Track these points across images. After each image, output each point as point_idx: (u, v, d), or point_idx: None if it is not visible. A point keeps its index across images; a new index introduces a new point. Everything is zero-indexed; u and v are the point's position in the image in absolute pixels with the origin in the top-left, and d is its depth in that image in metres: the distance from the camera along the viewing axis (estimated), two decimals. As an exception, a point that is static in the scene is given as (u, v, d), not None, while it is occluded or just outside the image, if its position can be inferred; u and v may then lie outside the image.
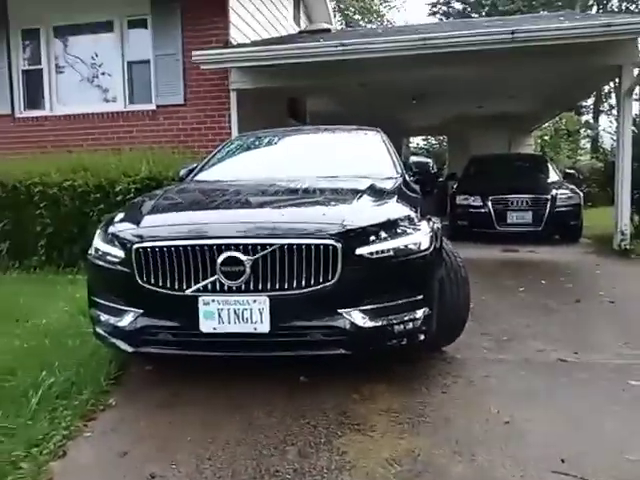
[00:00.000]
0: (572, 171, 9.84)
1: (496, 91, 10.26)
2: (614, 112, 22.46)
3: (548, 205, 8.07)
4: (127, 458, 2.20)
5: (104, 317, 2.80)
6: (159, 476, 2.07)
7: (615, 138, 8.19)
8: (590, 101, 24.50)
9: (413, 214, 2.86)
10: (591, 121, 24.84)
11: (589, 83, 9.47)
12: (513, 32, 6.38)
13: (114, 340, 2.78)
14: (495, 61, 7.00)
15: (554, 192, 8.25)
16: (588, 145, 24.10)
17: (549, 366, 3.10)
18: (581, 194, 8.52)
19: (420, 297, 2.68)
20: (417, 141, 28.22)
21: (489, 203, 8.28)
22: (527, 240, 7.94)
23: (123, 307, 2.70)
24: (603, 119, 25.82)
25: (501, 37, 6.46)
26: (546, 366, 3.10)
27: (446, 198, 10.11)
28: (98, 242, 2.92)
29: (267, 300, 2.49)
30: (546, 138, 18.96)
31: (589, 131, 23.45)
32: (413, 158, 4.46)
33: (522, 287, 5.05)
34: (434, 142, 27.64)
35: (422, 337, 2.71)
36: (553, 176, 9.26)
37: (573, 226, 8.16)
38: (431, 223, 2.91)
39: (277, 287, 2.51)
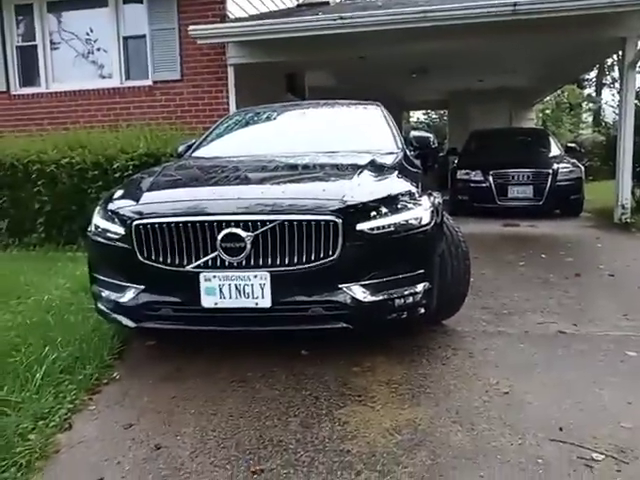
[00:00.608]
0: (574, 145, 9.77)
1: (497, 64, 10.14)
2: (617, 85, 22.22)
3: (549, 179, 8.04)
4: (132, 430, 2.24)
5: (105, 293, 2.82)
6: (164, 447, 2.11)
7: (617, 111, 8.12)
8: (593, 74, 24.22)
9: (414, 189, 2.85)
10: (593, 94, 24.59)
11: (592, 56, 9.36)
12: (515, 4, 6.26)
13: (116, 316, 2.81)
14: (496, 34, 6.90)
15: (555, 166, 8.21)
16: (590, 119, 23.91)
17: (548, 338, 3.13)
18: (582, 168, 8.48)
19: (421, 272, 2.69)
20: (417, 115, 28.01)
21: (490, 177, 8.24)
22: (528, 214, 7.93)
23: (124, 283, 2.72)
24: (606, 92, 25.55)
25: (503, 9, 6.34)
26: (545, 338, 3.13)
27: (447, 173, 10.08)
28: (98, 219, 2.92)
29: (268, 275, 2.50)
30: (548, 112, 18.83)
31: (591, 104, 23.24)
32: (414, 133, 4.40)
33: (522, 261, 5.07)
34: (434, 116, 27.43)
35: (422, 311, 2.73)
36: (554, 150, 9.20)
37: (574, 200, 8.14)
38: (432, 198, 2.90)
39: (278, 263, 2.52)
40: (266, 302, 2.53)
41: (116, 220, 2.76)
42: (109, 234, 2.77)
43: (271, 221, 2.51)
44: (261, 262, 2.52)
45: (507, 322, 3.40)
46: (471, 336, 3.17)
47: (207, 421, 2.29)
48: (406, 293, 2.65)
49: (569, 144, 9.97)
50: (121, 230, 2.70)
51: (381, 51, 7.62)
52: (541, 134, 10.43)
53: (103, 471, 1.98)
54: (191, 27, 7.15)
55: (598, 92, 24.97)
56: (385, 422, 2.23)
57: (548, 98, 16.96)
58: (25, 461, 1.99)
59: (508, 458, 1.97)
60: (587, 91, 24.57)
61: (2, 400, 2.33)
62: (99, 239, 2.84)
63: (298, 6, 10.47)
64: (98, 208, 3.00)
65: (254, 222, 2.51)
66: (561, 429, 2.13)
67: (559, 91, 16.86)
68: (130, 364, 2.90)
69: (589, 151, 13.49)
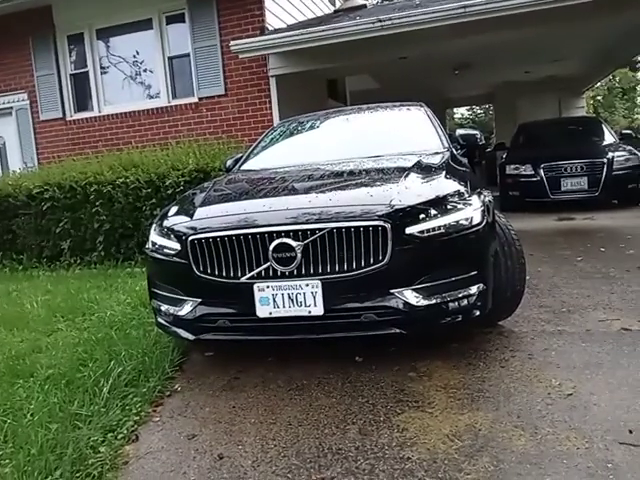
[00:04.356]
0: (629, 131, 9.36)
1: (544, 54, 9.85)
2: (673, 65, 21.09)
3: (604, 169, 7.74)
4: (196, 441, 2.30)
5: (164, 307, 2.92)
6: (227, 457, 2.16)
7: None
8: (646, 55, 23.10)
9: (463, 189, 2.81)
10: (648, 77, 23.43)
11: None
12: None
13: (175, 329, 2.90)
14: (540, 23, 6.68)
15: (610, 155, 7.90)
16: (645, 102, 22.81)
17: (612, 336, 3.00)
18: (640, 155, 8.12)
19: (474, 273, 2.65)
20: (461, 111, 27.54)
21: (541, 171, 8.02)
22: (583, 207, 7.66)
23: (182, 297, 2.81)
24: (661, 73, 24.29)
25: (544, -1, 6.16)
26: (609, 336, 3.00)
27: (495, 169, 9.87)
28: (154, 236, 3.02)
29: (319, 283, 2.53)
30: (599, 98, 18.11)
31: (646, 87, 22.15)
32: (460, 131, 4.35)
33: (580, 256, 4.90)
34: (480, 111, 26.89)
35: (477, 313, 2.69)
36: (608, 138, 8.86)
37: (632, 189, 7.79)
38: (482, 197, 2.86)
39: (328, 270, 2.54)
40: (319, 310, 2.55)
41: (172, 236, 2.86)
42: (166, 250, 2.87)
43: (320, 229, 2.54)
44: (312, 270, 2.55)
45: (567, 320, 3.30)
46: (530, 337, 3.08)
47: (267, 430, 2.33)
48: (460, 296, 2.62)
49: (624, 131, 9.57)
50: (177, 246, 2.79)
51: (422, 50, 7.56)
52: (593, 122, 10.09)
53: (170, 481, 2.05)
54: (232, 42, 7.32)
55: (653, 74, 23.78)
56: (444, 428, 2.21)
57: (599, 84, 16.32)
58: (97, 472, 2.08)
59: (575, 463, 1.91)
60: (641, 74, 23.44)
61: (74, 414, 2.44)
62: (156, 255, 2.95)
63: (335, 12, 10.51)
64: (154, 225, 3.11)
65: (303, 231, 2.55)
66: (631, 432, 2.05)
67: (610, 76, 16.18)
68: (190, 375, 2.98)
69: (646, 137, 12.88)
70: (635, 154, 8.01)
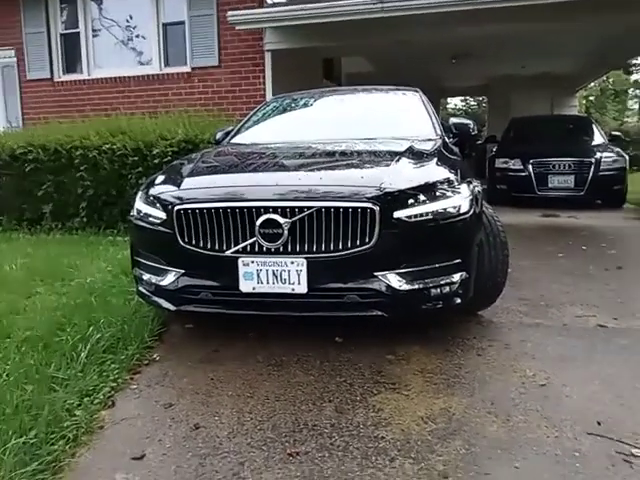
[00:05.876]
0: (618, 133, 9.45)
1: (542, 48, 9.84)
2: (666, 70, 21.25)
3: (592, 169, 7.83)
4: (172, 410, 2.31)
5: (147, 276, 2.89)
6: (203, 427, 2.17)
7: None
8: (640, 59, 23.23)
9: (453, 177, 2.82)
10: (640, 80, 23.61)
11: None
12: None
13: (156, 299, 2.88)
14: (547, 16, 6.65)
15: (598, 155, 7.99)
16: (636, 106, 23.02)
17: (588, 331, 3.06)
18: (627, 157, 8.23)
19: (458, 261, 2.67)
20: (455, 102, 27.53)
21: (530, 166, 8.09)
22: (568, 205, 7.75)
23: (165, 267, 2.79)
24: (654, 78, 24.48)
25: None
26: (585, 331, 3.07)
27: (485, 161, 9.93)
28: (140, 204, 2.98)
29: (305, 262, 2.52)
30: (591, 99, 18.23)
31: (638, 91, 22.35)
32: (453, 119, 4.33)
33: (562, 253, 4.96)
34: (473, 103, 26.91)
35: (458, 301, 2.71)
36: (598, 138, 8.95)
37: (617, 191, 7.91)
38: (471, 186, 2.86)
39: (314, 249, 2.54)
40: (302, 288, 2.55)
41: (157, 205, 2.82)
42: (151, 218, 2.84)
43: (308, 207, 2.52)
44: (298, 248, 2.54)
45: (545, 314, 3.35)
46: (507, 327, 3.13)
47: (244, 403, 2.34)
48: (442, 282, 2.64)
49: (613, 132, 9.66)
50: (162, 215, 2.76)
51: (421, 36, 7.52)
52: (584, 122, 10.16)
53: (145, 447, 2.05)
54: (229, 12, 7.18)
55: (646, 78, 23.95)
56: (419, 410, 2.24)
57: (592, 84, 16.40)
58: (72, 435, 2.07)
59: (544, 450, 1.96)
60: (634, 77, 23.62)
61: (50, 377, 2.43)
62: (141, 223, 2.92)
63: (336, -10, 10.35)
64: (140, 193, 3.07)
65: (292, 208, 2.53)
66: (599, 423, 2.10)
67: (604, 77, 16.28)
68: (169, 346, 2.97)
69: (634, 140, 13.02)
70: (622, 156, 8.11)
